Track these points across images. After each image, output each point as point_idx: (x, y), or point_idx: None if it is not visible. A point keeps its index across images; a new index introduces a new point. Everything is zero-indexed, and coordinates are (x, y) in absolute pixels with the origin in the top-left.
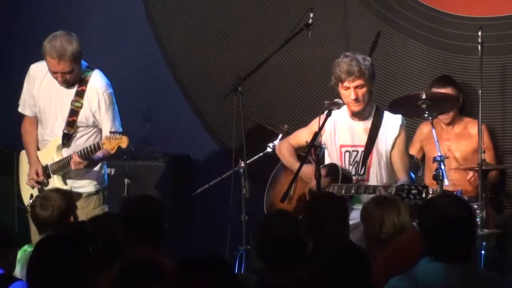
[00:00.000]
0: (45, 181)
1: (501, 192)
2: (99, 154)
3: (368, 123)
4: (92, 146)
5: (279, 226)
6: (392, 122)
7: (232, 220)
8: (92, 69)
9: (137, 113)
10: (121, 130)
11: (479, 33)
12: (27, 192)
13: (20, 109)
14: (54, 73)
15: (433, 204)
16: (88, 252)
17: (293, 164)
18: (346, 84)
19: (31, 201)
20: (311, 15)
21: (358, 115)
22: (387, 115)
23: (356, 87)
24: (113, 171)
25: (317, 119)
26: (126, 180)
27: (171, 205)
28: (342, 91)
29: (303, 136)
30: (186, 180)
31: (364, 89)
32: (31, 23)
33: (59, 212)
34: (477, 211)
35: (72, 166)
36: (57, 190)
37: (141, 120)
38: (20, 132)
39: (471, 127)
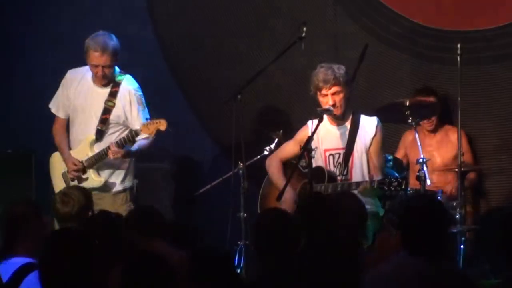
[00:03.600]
0: (82, 174)
1: (479, 191)
2: (135, 145)
3: (346, 127)
4: (129, 134)
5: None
6: (368, 124)
7: (231, 217)
8: (125, 73)
9: None
10: None
11: (458, 46)
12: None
13: (53, 110)
14: (95, 67)
15: (400, 199)
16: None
17: (279, 181)
18: (323, 92)
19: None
20: (304, 28)
21: (337, 120)
22: (363, 117)
23: (333, 94)
24: None
25: (301, 130)
26: None
27: (174, 203)
28: (320, 99)
29: (290, 149)
30: (189, 181)
31: (340, 95)
32: (32, 32)
33: (79, 207)
34: (457, 208)
35: (111, 156)
36: (76, 187)
37: None
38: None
39: (451, 134)
